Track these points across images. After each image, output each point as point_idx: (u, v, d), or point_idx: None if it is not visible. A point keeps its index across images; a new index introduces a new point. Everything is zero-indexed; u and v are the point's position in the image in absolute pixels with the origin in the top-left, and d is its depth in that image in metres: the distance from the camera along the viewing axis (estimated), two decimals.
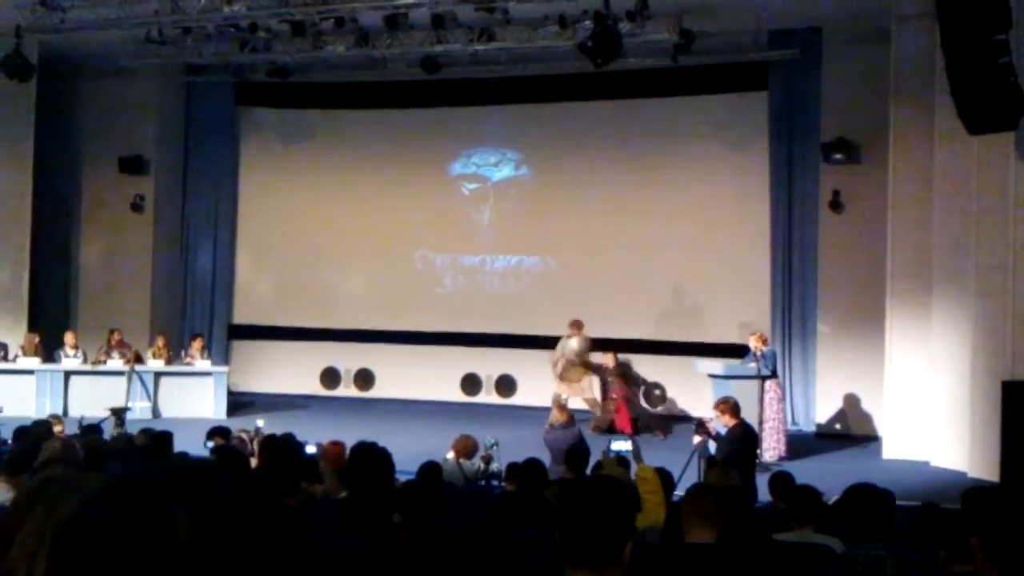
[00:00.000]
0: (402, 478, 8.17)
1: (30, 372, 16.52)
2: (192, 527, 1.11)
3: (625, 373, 16.98)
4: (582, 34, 14.36)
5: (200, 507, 1.13)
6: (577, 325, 16.76)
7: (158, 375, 16.82)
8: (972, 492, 6.85)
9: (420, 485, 6.90)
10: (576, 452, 8.94)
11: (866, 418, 16.14)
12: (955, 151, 13.20)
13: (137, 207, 19.49)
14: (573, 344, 16.72)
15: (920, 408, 14.09)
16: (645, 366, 18.24)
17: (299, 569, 1.22)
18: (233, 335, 20.55)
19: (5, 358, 16.83)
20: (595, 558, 2.77)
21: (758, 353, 13.86)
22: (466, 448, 10.25)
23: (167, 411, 16.52)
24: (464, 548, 1.97)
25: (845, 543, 5.33)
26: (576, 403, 15.81)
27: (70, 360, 16.77)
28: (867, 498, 5.20)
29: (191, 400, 16.68)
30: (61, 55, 18.27)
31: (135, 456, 9.03)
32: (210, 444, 10.06)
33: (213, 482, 1.17)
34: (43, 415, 14.15)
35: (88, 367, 16.70)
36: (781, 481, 8.01)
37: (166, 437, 9.59)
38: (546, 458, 8.61)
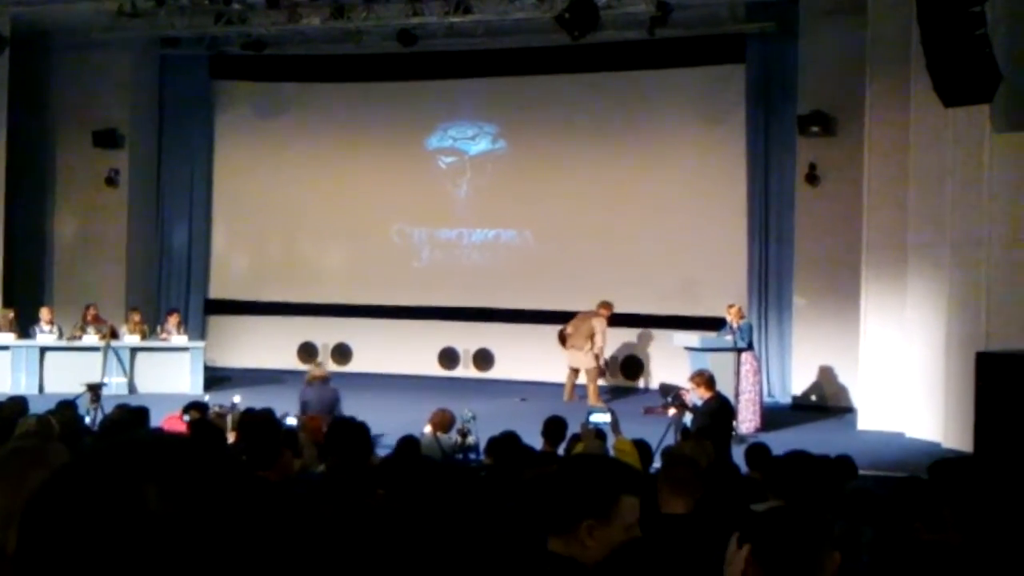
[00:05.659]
0: (380, 452, 8.21)
1: (5, 348, 16.41)
2: (163, 500, 1.10)
3: None
4: (559, 6, 14.32)
5: (171, 480, 1.13)
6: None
7: (134, 350, 16.72)
8: (941, 463, 6.90)
9: (403, 460, 6.91)
10: (553, 424, 8.97)
11: (841, 390, 16.24)
12: (931, 123, 13.23)
13: (112, 181, 19.35)
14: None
15: (895, 380, 14.18)
16: (621, 339, 18.30)
17: (274, 543, 1.22)
18: (209, 310, 20.48)
19: None
20: (560, 527, 2.84)
21: (734, 326, 13.92)
22: (443, 422, 10.28)
23: (143, 386, 16.44)
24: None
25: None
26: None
27: (45, 336, 16.66)
28: (803, 465, 5.25)
29: (167, 375, 16.60)
30: (34, 28, 18.11)
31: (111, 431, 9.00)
32: (186, 418, 10.04)
33: (185, 455, 1.17)
34: (18, 391, 14.10)
35: (63, 343, 16.61)
36: (758, 453, 8.05)
37: (142, 413, 9.57)
38: (523, 431, 8.62)
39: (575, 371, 16.62)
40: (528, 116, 19.11)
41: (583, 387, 16.63)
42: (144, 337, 17.04)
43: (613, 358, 18.24)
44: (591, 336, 16.40)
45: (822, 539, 2.70)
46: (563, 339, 16.86)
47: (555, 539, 2.82)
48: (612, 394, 17.08)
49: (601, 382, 16.79)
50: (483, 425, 10.34)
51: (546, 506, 2.87)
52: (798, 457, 5.33)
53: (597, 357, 16.47)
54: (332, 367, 19.39)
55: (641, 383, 18.15)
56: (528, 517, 2.92)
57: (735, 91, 17.53)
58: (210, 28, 17.47)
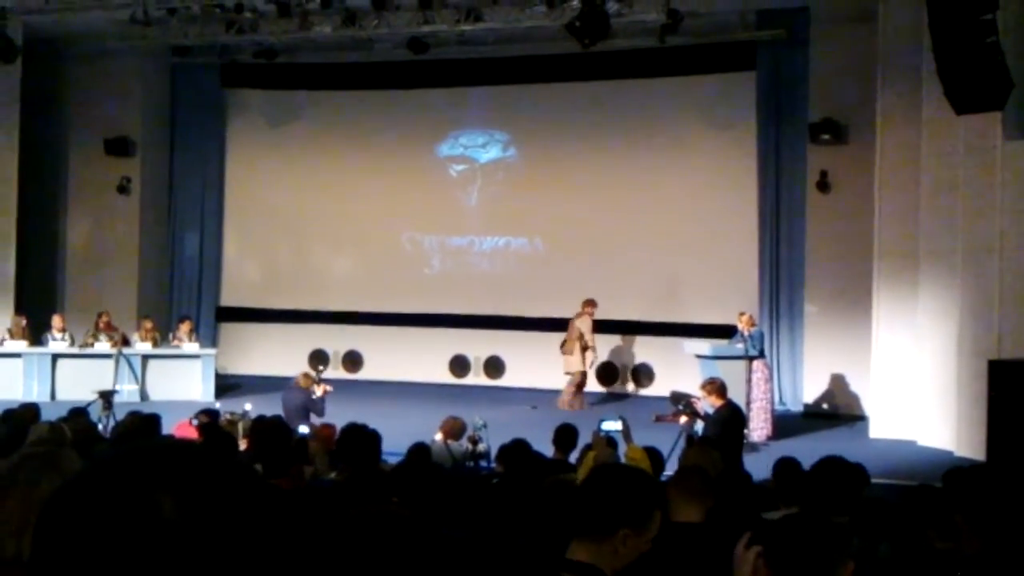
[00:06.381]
0: (391, 460, 8.20)
1: (17, 355, 16.45)
2: (177, 508, 1.10)
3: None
4: (570, 14, 14.32)
5: (185, 488, 1.13)
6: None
7: (146, 358, 16.75)
8: (955, 472, 6.87)
9: (414, 467, 6.91)
10: (564, 432, 8.95)
11: (853, 397, 16.19)
12: (942, 131, 13.21)
13: (124, 189, 19.41)
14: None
15: (907, 387, 14.14)
16: (633, 347, 18.31)
17: (287, 551, 1.22)
18: (221, 317, 20.51)
19: None
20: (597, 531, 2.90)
21: (745, 333, 13.90)
22: (454, 429, 10.27)
23: (155, 394, 16.47)
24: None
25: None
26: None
27: (57, 343, 16.71)
28: (837, 471, 5.23)
29: (179, 383, 16.62)
30: (46, 36, 18.18)
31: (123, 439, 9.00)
32: (195, 423, 10.05)
33: (199, 463, 1.17)
34: (30, 399, 14.12)
35: (75, 350, 16.64)
36: (787, 467, 7.81)
37: (154, 420, 9.57)
38: (534, 439, 8.61)
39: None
40: (539, 124, 19.12)
41: (592, 393, 16.69)
42: (156, 344, 17.07)
43: (623, 365, 18.25)
44: (580, 337, 16.47)
45: (837, 547, 2.70)
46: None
47: (580, 546, 2.86)
48: (621, 402, 17.07)
49: (600, 388, 16.89)
50: (494, 433, 10.32)
51: (583, 511, 2.91)
52: (834, 463, 5.29)
53: (588, 354, 16.54)
54: (343, 375, 19.43)
55: (650, 391, 18.08)
56: (547, 523, 2.96)
57: (746, 99, 17.49)
58: (222, 36, 17.50)
